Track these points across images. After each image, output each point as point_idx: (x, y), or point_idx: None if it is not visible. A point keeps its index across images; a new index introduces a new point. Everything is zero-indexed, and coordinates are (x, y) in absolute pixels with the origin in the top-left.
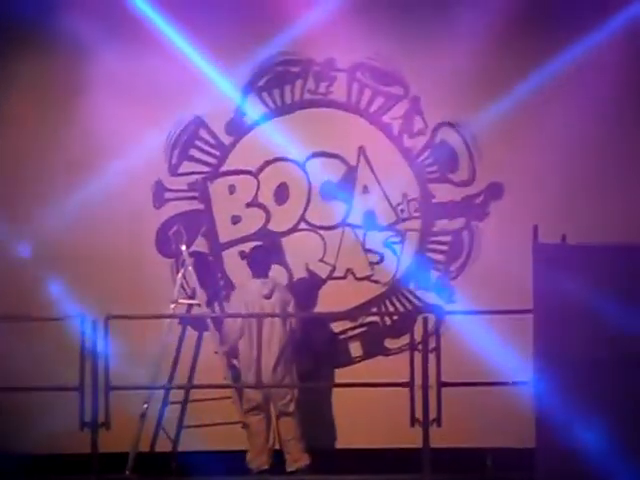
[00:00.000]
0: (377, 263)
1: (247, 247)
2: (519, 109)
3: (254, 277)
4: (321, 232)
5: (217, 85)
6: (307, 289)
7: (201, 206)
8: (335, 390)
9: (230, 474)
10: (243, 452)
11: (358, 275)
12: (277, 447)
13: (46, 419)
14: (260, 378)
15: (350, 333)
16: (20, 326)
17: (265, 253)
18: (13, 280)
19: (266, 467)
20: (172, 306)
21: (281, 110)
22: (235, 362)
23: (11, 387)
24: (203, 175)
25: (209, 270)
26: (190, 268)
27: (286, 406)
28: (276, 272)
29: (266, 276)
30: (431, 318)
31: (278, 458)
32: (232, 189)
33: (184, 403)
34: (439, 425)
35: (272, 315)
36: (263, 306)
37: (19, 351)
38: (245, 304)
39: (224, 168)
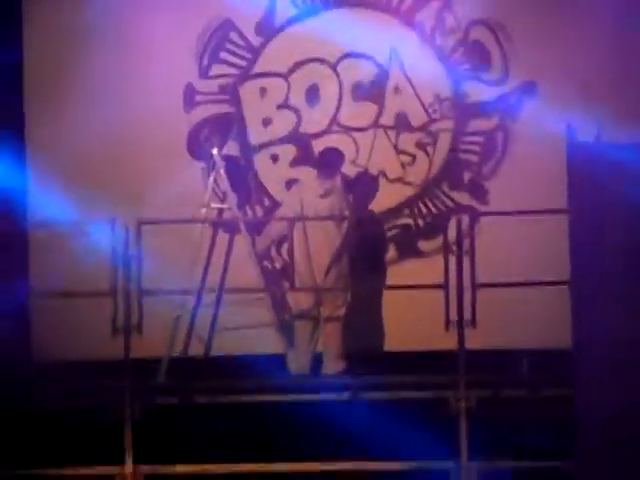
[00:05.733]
0: (409, 164)
1: (279, 150)
2: (554, 4)
3: (318, 176)
4: (353, 134)
5: None
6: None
7: (232, 109)
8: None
9: (264, 376)
10: (276, 355)
11: (390, 177)
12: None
13: (78, 325)
14: (313, 280)
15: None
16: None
17: (336, 155)
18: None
19: (306, 371)
20: (203, 210)
21: (311, 10)
22: (267, 264)
23: (49, 292)
24: (233, 78)
25: (240, 173)
26: (222, 171)
27: (336, 310)
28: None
29: (330, 178)
30: (464, 219)
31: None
32: (263, 91)
33: (217, 307)
34: (474, 327)
35: (314, 219)
36: (317, 205)
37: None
38: (300, 202)
39: (254, 70)
